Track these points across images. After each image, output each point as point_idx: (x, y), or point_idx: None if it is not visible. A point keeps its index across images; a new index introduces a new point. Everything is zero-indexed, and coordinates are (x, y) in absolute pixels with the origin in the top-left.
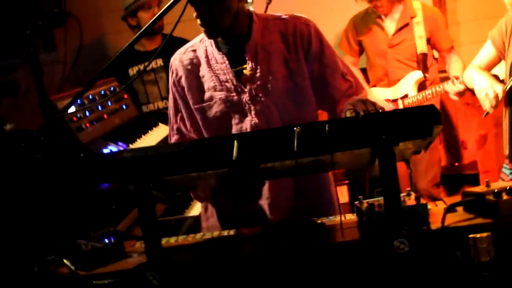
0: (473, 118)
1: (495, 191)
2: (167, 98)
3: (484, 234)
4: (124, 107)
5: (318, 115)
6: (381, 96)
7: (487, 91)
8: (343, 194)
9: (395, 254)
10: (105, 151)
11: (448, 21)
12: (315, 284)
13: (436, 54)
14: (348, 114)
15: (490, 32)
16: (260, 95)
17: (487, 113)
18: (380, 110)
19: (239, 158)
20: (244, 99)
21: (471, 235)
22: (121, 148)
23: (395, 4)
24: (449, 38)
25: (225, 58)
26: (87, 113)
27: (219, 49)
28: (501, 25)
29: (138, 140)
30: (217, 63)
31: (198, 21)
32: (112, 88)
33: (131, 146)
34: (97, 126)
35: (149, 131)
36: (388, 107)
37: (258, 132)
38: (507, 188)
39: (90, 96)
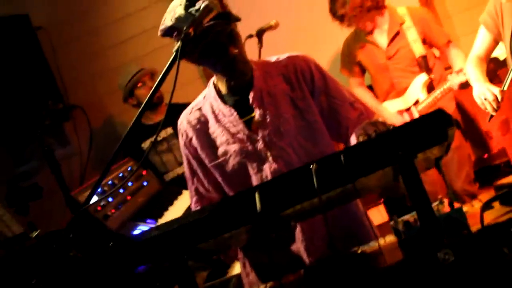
0: None
1: None
2: None
3: None
4: (145, 183)
5: (334, 147)
6: (393, 108)
7: (486, 95)
8: (381, 213)
9: (441, 266)
10: (136, 232)
11: (440, 17)
12: None
13: (437, 53)
14: (361, 139)
15: (481, 18)
16: (274, 139)
17: (492, 116)
18: (391, 127)
19: (263, 209)
20: (259, 147)
21: None
22: (151, 226)
23: (375, 18)
24: (444, 33)
25: (232, 110)
26: (110, 199)
27: (224, 102)
28: (490, 8)
29: (165, 213)
30: (225, 116)
31: (224, 65)
32: (129, 168)
33: (160, 221)
34: (122, 209)
35: (174, 201)
36: (400, 120)
37: (277, 178)
38: None
39: (110, 182)
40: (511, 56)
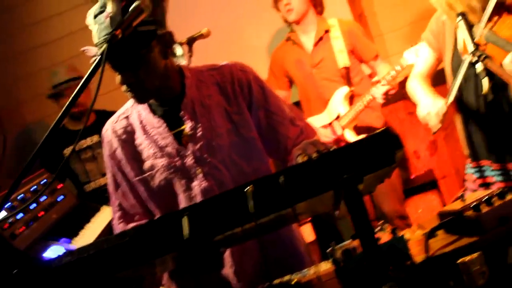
0: (419, 126)
1: (473, 205)
2: None
3: (475, 255)
4: (60, 198)
5: (269, 165)
6: (318, 123)
7: (429, 110)
8: (308, 232)
9: None
10: (48, 252)
11: (372, 34)
12: None
13: (368, 71)
14: (300, 160)
15: (423, 35)
16: (205, 155)
17: (434, 132)
18: (332, 148)
19: (192, 235)
20: (188, 163)
21: (460, 260)
22: (65, 245)
23: (307, 12)
24: (372, 47)
25: (161, 121)
26: (20, 216)
27: (153, 112)
28: (433, 27)
29: (81, 231)
30: (154, 127)
31: (123, 87)
32: (44, 181)
33: (76, 239)
34: (33, 227)
35: (92, 219)
36: (327, 136)
37: (207, 201)
38: (485, 198)
39: (21, 196)
40: (452, 73)
